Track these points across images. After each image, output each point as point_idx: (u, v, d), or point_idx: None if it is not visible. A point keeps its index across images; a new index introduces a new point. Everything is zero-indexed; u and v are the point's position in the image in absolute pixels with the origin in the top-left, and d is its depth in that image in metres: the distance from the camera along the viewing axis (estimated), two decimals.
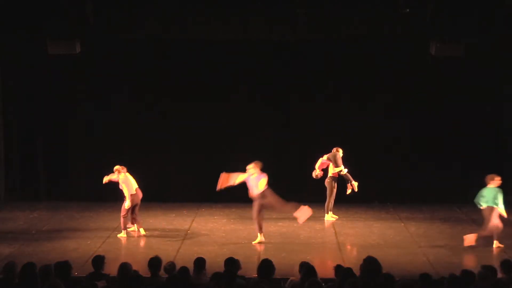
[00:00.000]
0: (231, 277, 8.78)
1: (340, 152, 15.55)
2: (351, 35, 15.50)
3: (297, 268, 9.26)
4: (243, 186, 17.22)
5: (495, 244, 13.25)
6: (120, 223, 14.16)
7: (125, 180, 14.19)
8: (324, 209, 15.55)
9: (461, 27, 14.18)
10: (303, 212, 13.85)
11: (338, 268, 9.29)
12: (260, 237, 13.67)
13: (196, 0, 15.04)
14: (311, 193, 16.74)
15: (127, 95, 17.24)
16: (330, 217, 15.50)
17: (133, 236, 14.11)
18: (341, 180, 15.67)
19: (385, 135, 17.19)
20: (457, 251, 13.13)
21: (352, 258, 12.24)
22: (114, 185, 15.26)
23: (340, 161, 15.46)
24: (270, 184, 17.29)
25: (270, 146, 17.29)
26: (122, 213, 14.16)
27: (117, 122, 17.24)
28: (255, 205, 13.76)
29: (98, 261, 9.55)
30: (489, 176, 13.58)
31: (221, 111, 17.29)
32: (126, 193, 14.09)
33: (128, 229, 14.25)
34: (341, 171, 15.43)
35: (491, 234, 13.27)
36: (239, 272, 9.38)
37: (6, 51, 16.58)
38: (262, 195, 13.70)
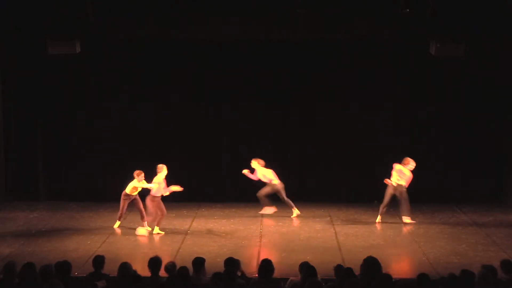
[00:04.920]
0: (231, 277, 8.79)
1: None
2: (351, 35, 15.48)
3: (297, 268, 9.27)
4: (242, 186, 17.31)
5: None
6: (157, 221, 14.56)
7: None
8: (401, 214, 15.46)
9: (461, 27, 14.17)
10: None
11: (338, 268, 9.30)
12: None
13: (196, 0, 15.03)
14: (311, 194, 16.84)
15: (127, 95, 17.22)
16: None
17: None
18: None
19: (385, 135, 17.18)
20: (457, 251, 13.14)
21: (352, 258, 12.23)
22: (114, 184, 15.32)
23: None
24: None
25: (270, 146, 17.28)
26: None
27: (117, 121, 17.24)
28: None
29: (98, 261, 9.55)
30: None
31: (221, 111, 17.29)
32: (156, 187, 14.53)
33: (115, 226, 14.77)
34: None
35: None
36: (239, 272, 9.39)
37: (6, 51, 16.57)
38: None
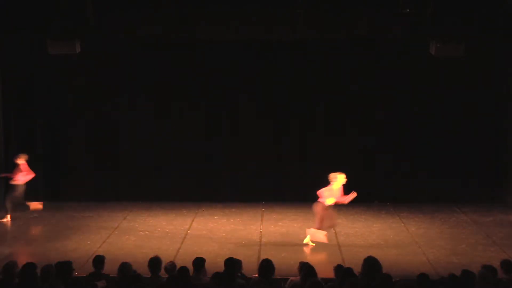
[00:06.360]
0: (231, 277, 8.79)
1: None
2: (351, 35, 15.49)
3: (297, 268, 9.27)
4: (242, 186, 17.30)
5: None
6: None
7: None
8: None
9: (461, 27, 14.17)
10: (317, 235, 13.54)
11: (338, 268, 9.30)
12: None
13: (196, 0, 15.03)
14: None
15: (127, 95, 17.23)
16: None
17: None
18: None
19: (385, 135, 17.18)
20: (457, 251, 13.14)
21: (352, 258, 12.23)
22: (115, 184, 15.32)
23: None
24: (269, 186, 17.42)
25: (270, 145, 17.29)
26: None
27: (117, 121, 17.24)
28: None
29: (98, 261, 9.56)
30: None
31: (221, 110, 17.30)
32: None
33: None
34: None
35: None
36: (239, 273, 9.39)
37: (6, 51, 16.56)
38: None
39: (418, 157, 17.23)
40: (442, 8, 14.10)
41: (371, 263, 8.85)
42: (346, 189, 16.98)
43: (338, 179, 13.51)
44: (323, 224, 13.49)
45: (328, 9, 14.99)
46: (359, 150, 17.18)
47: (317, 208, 13.55)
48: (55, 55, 14.91)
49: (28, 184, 17.08)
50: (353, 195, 13.47)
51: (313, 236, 13.53)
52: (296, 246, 13.47)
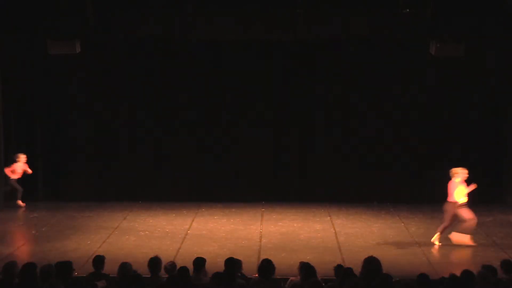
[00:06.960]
0: (231, 277, 8.80)
1: None
2: (350, 35, 15.48)
3: (297, 268, 9.27)
4: (242, 186, 17.30)
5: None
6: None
7: None
8: None
9: (461, 27, 14.18)
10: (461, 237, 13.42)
11: (338, 268, 9.31)
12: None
13: (196, 0, 15.03)
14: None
15: (127, 95, 17.23)
16: None
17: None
18: None
19: (385, 135, 17.18)
20: (457, 251, 13.14)
21: (352, 258, 12.23)
22: (115, 184, 15.29)
23: None
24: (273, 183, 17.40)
25: (270, 145, 17.29)
26: None
27: (117, 122, 17.24)
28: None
29: (98, 261, 9.56)
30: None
31: (221, 110, 17.29)
32: None
33: None
34: None
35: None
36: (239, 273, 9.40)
37: (6, 51, 16.56)
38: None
39: (418, 157, 17.23)
40: (442, 8, 14.11)
41: (371, 263, 8.85)
42: (346, 189, 17.10)
43: (460, 174, 13.41)
44: (462, 226, 13.38)
45: (328, 9, 14.99)
46: (359, 150, 17.17)
47: (447, 207, 13.46)
48: (55, 55, 14.92)
49: (28, 183, 17.14)
50: (473, 186, 13.44)
51: (459, 240, 13.37)
52: (296, 246, 13.47)
